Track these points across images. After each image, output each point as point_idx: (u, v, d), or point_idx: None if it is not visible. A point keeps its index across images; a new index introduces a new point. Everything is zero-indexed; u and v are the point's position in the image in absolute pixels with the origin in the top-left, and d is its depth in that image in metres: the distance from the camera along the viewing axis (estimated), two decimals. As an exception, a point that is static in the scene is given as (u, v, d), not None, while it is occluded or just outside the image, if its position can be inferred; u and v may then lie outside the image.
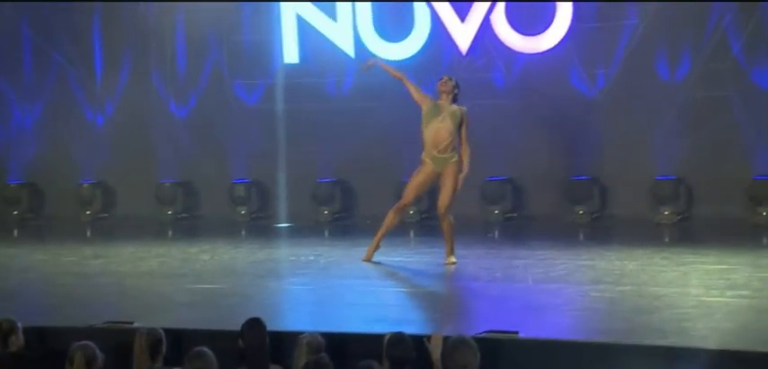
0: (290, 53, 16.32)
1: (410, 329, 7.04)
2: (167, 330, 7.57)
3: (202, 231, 15.89)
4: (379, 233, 11.38)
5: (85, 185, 17.13)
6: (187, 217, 16.73)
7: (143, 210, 16.88)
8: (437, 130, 10.97)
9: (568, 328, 8.10)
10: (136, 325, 8.15)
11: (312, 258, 11.97)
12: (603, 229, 14.63)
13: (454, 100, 11.19)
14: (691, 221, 14.54)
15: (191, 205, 16.93)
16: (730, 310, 8.38)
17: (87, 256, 12.76)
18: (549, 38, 15.25)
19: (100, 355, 7.17)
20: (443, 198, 11.01)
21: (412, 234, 14.49)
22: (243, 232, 15.63)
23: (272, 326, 7.25)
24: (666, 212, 14.62)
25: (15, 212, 17.21)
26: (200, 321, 8.70)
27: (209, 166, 16.76)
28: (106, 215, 17.13)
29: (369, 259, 11.38)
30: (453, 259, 11.12)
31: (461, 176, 11.02)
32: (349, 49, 16.09)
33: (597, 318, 8.35)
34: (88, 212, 17.00)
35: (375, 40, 15.95)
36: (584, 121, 15.34)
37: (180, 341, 7.84)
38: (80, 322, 8.48)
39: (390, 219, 11.34)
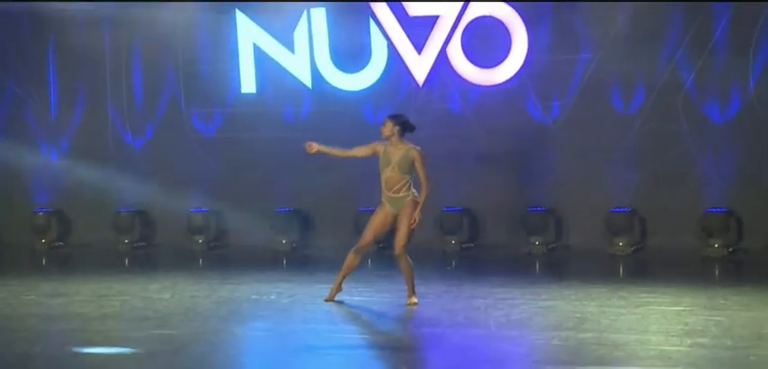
0: (248, 83, 16.39)
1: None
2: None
3: (160, 261, 15.95)
4: (341, 274, 11.48)
5: (40, 214, 17.08)
6: (144, 245, 16.74)
7: (99, 238, 16.89)
8: (388, 177, 11.06)
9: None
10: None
11: (273, 297, 12.03)
12: (559, 260, 14.86)
13: (402, 134, 11.16)
14: (644, 252, 14.79)
15: (148, 234, 16.94)
16: (690, 362, 8.57)
17: (46, 292, 12.72)
18: (505, 70, 15.46)
19: None
20: (399, 238, 11.09)
21: (369, 263, 14.61)
22: (200, 261, 15.72)
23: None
24: (621, 243, 14.87)
25: (-35, 243, 17.19)
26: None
27: (167, 196, 16.78)
28: (62, 244, 17.10)
29: (331, 299, 11.48)
30: (414, 300, 11.24)
31: (415, 213, 11.07)
32: (306, 79, 16.18)
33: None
34: (43, 241, 16.97)
35: (332, 70, 16.07)
36: (539, 152, 15.56)
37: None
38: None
39: (351, 259, 11.43)
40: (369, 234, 11.31)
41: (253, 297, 12.14)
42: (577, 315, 10.56)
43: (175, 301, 11.99)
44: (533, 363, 8.82)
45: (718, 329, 9.71)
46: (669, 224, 14.94)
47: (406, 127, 11.17)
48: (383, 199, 11.22)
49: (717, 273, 13.73)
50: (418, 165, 11.12)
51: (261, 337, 10.33)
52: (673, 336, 9.50)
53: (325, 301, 11.49)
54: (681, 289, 11.91)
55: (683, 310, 10.67)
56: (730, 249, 14.47)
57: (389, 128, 11.10)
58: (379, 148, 11.16)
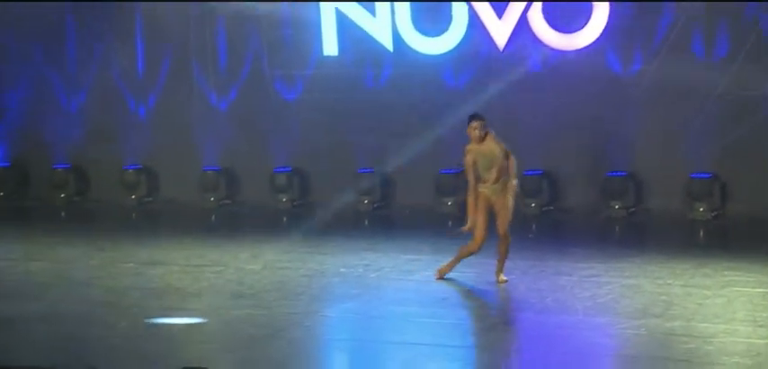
0: (330, 46, 16.63)
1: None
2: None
3: (246, 221, 16.36)
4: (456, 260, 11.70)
5: (130, 171, 17.55)
6: (229, 203, 17.15)
7: (186, 195, 17.31)
8: (492, 174, 11.27)
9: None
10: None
11: (361, 271, 12.33)
12: (639, 225, 15.03)
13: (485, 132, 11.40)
14: (725, 219, 14.90)
15: (232, 192, 17.33)
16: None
17: (143, 260, 13.17)
18: (586, 35, 15.53)
19: None
20: (504, 221, 11.34)
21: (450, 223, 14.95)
22: (284, 219, 16.13)
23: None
24: (701, 209, 14.99)
25: (62, 195, 17.68)
26: (269, 362, 9.17)
27: (250, 155, 17.14)
28: (150, 199, 17.57)
29: (441, 276, 11.73)
30: (504, 277, 11.54)
31: (512, 192, 11.34)
32: (387, 42, 16.39)
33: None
34: (133, 196, 17.46)
35: (413, 34, 16.25)
36: (620, 116, 15.65)
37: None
38: (161, 368, 8.90)
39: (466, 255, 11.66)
40: (482, 232, 11.45)
41: (341, 270, 12.47)
42: (663, 297, 10.77)
43: (267, 274, 12.37)
44: (624, 357, 9.08)
45: (805, 317, 9.89)
46: (750, 190, 15.02)
47: (485, 124, 11.41)
48: (481, 191, 11.39)
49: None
50: (503, 145, 11.38)
51: (353, 322, 10.65)
52: (760, 325, 9.70)
53: (437, 277, 11.76)
54: (764, 264, 12.04)
55: (769, 292, 10.87)
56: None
57: (480, 127, 11.28)
58: (473, 151, 11.35)
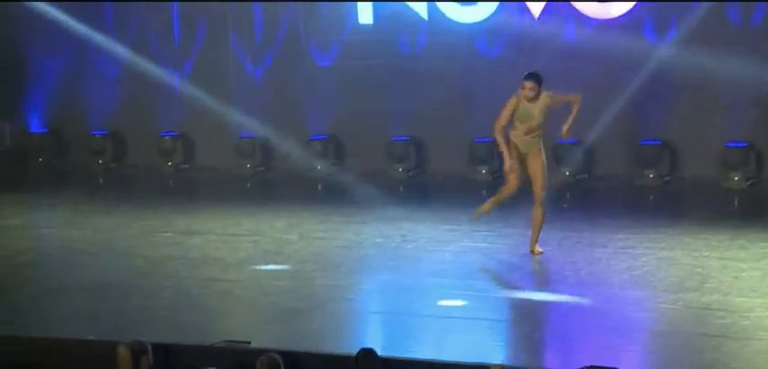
0: (365, 14, 16.70)
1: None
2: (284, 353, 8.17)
3: (281, 189, 16.48)
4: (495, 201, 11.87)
5: (167, 138, 17.72)
6: (264, 170, 17.28)
7: (222, 162, 17.46)
8: (529, 127, 11.44)
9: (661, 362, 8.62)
10: (253, 345, 8.77)
11: (398, 240, 12.45)
12: (674, 194, 15.07)
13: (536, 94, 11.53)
14: (761, 187, 14.92)
15: (267, 160, 17.46)
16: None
17: (181, 229, 13.34)
18: (622, 4, 15.54)
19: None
20: (540, 186, 11.50)
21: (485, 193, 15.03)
22: (319, 187, 16.26)
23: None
24: (736, 178, 15.02)
25: (100, 161, 17.89)
26: (310, 334, 9.33)
27: (287, 123, 17.25)
28: (187, 166, 17.74)
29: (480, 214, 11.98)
30: (540, 249, 11.64)
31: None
32: (422, 11, 16.44)
33: (688, 346, 8.82)
34: (169, 163, 17.63)
35: (448, 3, 16.28)
36: (654, 84, 15.64)
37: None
38: (202, 339, 9.06)
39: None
40: (515, 178, 11.59)
41: (377, 240, 12.58)
42: (699, 270, 10.85)
43: (304, 244, 12.50)
44: (660, 333, 9.16)
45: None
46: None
47: (541, 82, 11.52)
48: (511, 139, 11.50)
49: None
50: (560, 97, 11.72)
51: (391, 295, 10.78)
52: (798, 300, 9.78)
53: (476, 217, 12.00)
54: (800, 237, 12.10)
55: (805, 266, 10.91)
56: None
57: (532, 88, 11.41)
58: (515, 102, 11.46)
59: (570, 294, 10.35)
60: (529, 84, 11.47)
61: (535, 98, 11.43)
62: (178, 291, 10.79)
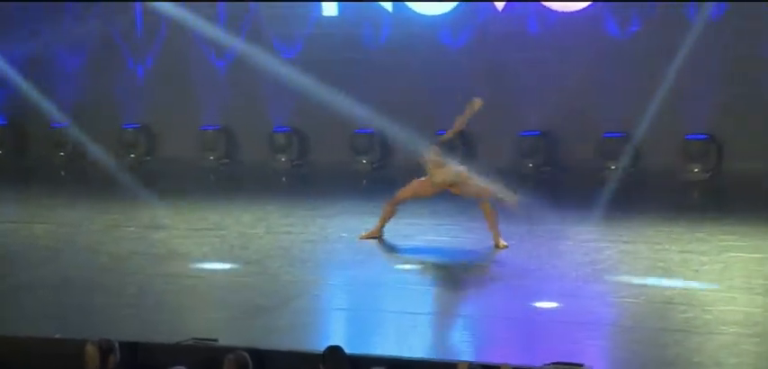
0: (329, 6, 16.72)
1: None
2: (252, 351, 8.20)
3: (246, 182, 16.48)
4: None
5: (129, 130, 17.66)
6: (228, 162, 17.27)
7: (185, 154, 17.43)
8: None
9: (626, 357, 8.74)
10: (220, 343, 8.80)
11: (363, 234, 12.49)
12: (635, 185, 15.20)
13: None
14: (720, 179, 15.07)
15: (231, 151, 17.45)
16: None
17: (146, 223, 13.31)
18: (584, -3, 15.68)
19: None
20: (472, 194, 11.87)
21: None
22: (284, 179, 16.27)
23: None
24: (696, 169, 15.18)
25: (62, 154, 17.81)
26: (277, 331, 9.37)
27: (250, 114, 17.24)
28: (149, 158, 17.68)
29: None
30: (504, 243, 11.75)
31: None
32: (386, 3, 16.48)
33: (651, 341, 8.93)
34: (132, 156, 17.57)
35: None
36: (616, 76, 15.78)
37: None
38: (169, 337, 9.07)
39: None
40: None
41: (343, 234, 12.61)
42: (661, 264, 10.97)
43: (270, 239, 12.51)
44: (623, 328, 9.27)
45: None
46: (746, 149, 15.19)
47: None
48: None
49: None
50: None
51: (357, 290, 10.83)
52: (757, 293, 9.90)
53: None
54: (759, 228, 12.21)
55: (764, 258, 11.05)
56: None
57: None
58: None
59: (535, 289, 10.43)
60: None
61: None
62: (143, 287, 10.78)
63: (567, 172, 15.91)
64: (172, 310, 10.19)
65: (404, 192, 12.19)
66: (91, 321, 9.74)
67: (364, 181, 16.15)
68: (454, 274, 11.14)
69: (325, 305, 10.51)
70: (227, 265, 11.52)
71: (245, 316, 9.84)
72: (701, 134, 15.32)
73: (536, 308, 10.04)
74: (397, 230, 12.64)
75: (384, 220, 12.20)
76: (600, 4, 15.59)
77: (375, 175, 16.33)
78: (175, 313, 10.09)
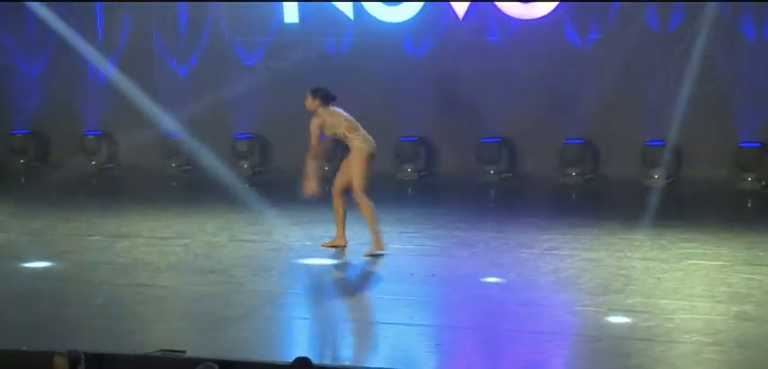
0: (290, 13, 16.77)
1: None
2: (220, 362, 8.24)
3: (206, 187, 16.46)
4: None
5: (90, 137, 17.62)
6: (190, 169, 17.27)
7: (146, 160, 17.42)
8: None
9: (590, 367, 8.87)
10: (188, 354, 8.85)
11: (326, 240, 12.52)
12: (595, 193, 15.39)
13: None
14: (680, 185, 15.28)
15: (192, 159, 17.44)
16: (738, 338, 9.15)
17: (110, 232, 13.30)
18: (544, 4, 15.80)
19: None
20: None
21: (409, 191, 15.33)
22: (247, 184, 16.31)
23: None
24: (656, 176, 15.37)
25: (22, 161, 17.75)
26: (244, 343, 9.41)
27: (211, 122, 17.25)
28: (111, 166, 17.66)
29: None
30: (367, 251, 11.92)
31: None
32: (348, 11, 16.56)
33: (614, 350, 9.06)
34: (93, 163, 17.54)
35: (374, 3, 16.43)
36: (576, 83, 15.95)
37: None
38: (136, 348, 9.11)
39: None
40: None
41: (307, 243, 12.65)
42: (623, 272, 11.12)
43: (234, 248, 12.54)
44: (588, 337, 9.39)
45: (761, 293, 10.25)
46: (704, 156, 15.40)
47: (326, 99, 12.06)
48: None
49: (750, 207, 14.35)
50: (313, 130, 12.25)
51: (323, 300, 10.89)
52: (718, 301, 10.07)
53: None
54: (719, 236, 12.39)
55: (725, 266, 11.21)
56: (763, 183, 14.97)
57: (310, 103, 12.10)
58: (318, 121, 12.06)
59: (499, 298, 10.53)
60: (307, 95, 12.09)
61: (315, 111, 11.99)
62: (110, 298, 10.78)
63: (527, 179, 16.05)
64: (139, 320, 10.20)
65: (339, 179, 12.10)
66: (58, 332, 9.73)
67: (326, 187, 16.15)
68: (420, 283, 11.19)
69: (292, 315, 10.56)
70: (192, 275, 11.53)
71: (211, 327, 9.86)
72: (659, 141, 15.51)
73: (500, 315, 10.13)
74: (364, 239, 12.71)
75: (342, 222, 12.18)
76: (560, 10, 15.74)
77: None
78: (142, 324, 10.10)
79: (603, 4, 15.69)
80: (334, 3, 16.53)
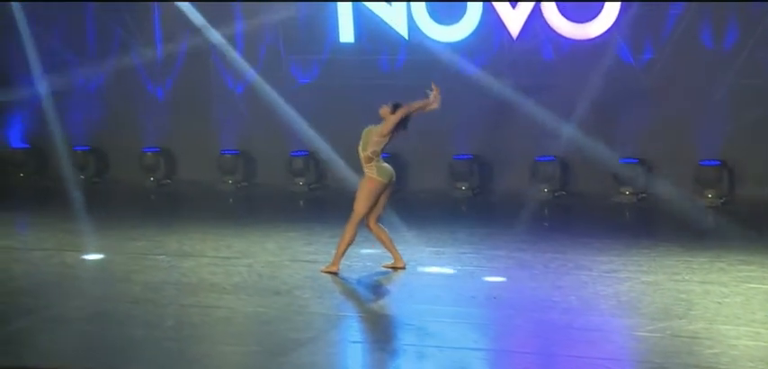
0: (346, 33, 17.01)
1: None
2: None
3: (263, 204, 16.74)
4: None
5: (149, 153, 17.95)
6: (247, 186, 17.55)
7: (204, 177, 17.72)
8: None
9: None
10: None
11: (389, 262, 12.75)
12: (650, 211, 15.51)
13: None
14: (734, 205, 15.38)
15: (249, 174, 17.74)
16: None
17: (174, 250, 13.57)
18: (598, 25, 15.98)
19: None
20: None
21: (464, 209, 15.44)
22: (301, 203, 16.55)
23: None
24: (710, 195, 15.48)
25: (82, 177, 18.11)
26: (313, 367, 9.61)
27: (267, 139, 17.54)
28: (169, 181, 17.98)
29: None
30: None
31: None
32: (403, 30, 16.78)
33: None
34: (152, 179, 17.87)
35: (428, 22, 16.64)
36: (630, 104, 16.10)
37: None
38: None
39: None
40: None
41: (368, 264, 12.84)
42: (683, 296, 11.24)
43: (297, 268, 12.75)
44: (653, 365, 9.50)
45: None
46: (757, 174, 15.52)
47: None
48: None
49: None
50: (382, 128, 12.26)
51: (388, 323, 11.07)
52: (783, 328, 10.20)
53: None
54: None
55: (785, 290, 11.36)
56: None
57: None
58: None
59: (562, 323, 10.67)
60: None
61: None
62: (179, 319, 11.01)
63: (580, 197, 16.21)
64: (210, 343, 10.40)
65: (360, 205, 12.16)
66: (133, 355, 9.95)
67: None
68: (482, 307, 11.35)
69: (357, 339, 10.74)
70: (256, 297, 11.72)
71: (281, 351, 10.04)
72: (714, 160, 15.63)
73: (563, 340, 10.27)
74: (422, 258, 12.92)
75: (390, 245, 12.34)
76: (614, 28, 15.90)
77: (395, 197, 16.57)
78: (214, 346, 10.29)
79: (657, 22, 15.83)
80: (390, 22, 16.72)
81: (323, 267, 12.33)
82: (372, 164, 12.09)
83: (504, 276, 12.23)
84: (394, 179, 12.22)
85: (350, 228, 12.17)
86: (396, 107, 12.10)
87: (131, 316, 11.16)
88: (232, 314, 11.21)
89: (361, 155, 12.13)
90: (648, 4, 15.81)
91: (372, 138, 12.09)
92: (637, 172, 15.93)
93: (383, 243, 12.38)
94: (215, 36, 17.16)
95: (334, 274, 12.21)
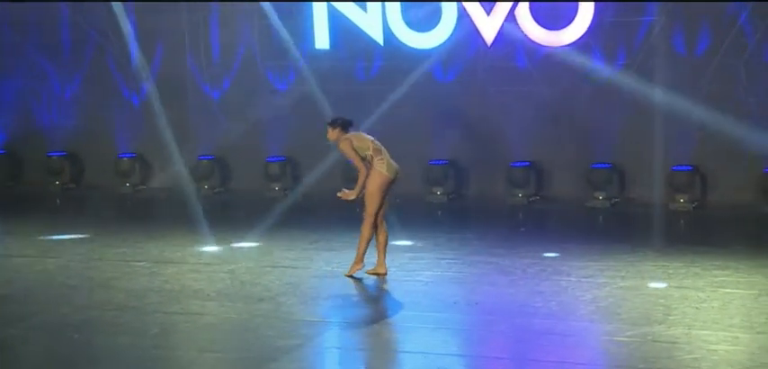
0: (321, 39, 17.13)
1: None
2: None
3: (241, 209, 16.81)
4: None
5: (124, 159, 17.98)
6: (223, 191, 17.62)
7: (179, 183, 17.76)
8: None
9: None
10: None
11: (365, 271, 12.84)
12: (623, 216, 15.72)
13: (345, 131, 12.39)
14: (705, 209, 15.64)
15: (226, 180, 17.82)
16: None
17: (155, 257, 13.64)
18: (571, 32, 16.18)
19: None
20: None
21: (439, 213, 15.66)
22: (278, 206, 16.66)
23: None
24: (682, 200, 15.72)
25: (57, 182, 18.12)
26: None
27: (243, 145, 17.62)
28: (144, 187, 18.01)
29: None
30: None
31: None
32: (378, 36, 16.92)
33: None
34: (127, 184, 17.90)
35: (403, 29, 16.79)
36: (603, 109, 16.32)
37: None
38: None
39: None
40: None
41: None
42: (661, 301, 11.44)
43: (279, 274, 12.86)
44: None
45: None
46: (728, 182, 15.77)
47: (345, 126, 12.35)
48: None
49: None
50: (346, 150, 12.37)
51: (370, 330, 11.18)
52: (759, 332, 10.37)
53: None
54: (750, 262, 12.75)
55: (760, 295, 11.55)
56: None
57: (331, 133, 12.38)
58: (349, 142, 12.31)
59: (542, 328, 10.83)
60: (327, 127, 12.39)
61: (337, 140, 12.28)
62: (164, 327, 11.08)
63: (554, 201, 16.41)
64: (197, 350, 10.49)
65: (370, 204, 12.37)
66: (118, 363, 10.01)
67: (357, 208, 16.49)
68: (463, 313, 11.49)
69: (342, 345, 10.86)
70: (239, 303, 11.80)
71: (267, 358, 10.14)
72: (686, 166, 15.88)
73: (546, 345, 10.42)
74: (401, 265, 13.06)
75: (382, 249, 12.52)
76: (587, 34, 16.12)
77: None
78: (201, 354, 10.38)
79: (630, 28, 16.06)
80: (365, 29, 16.85)
81: (346, 271, 12.50)
82: (382, 157, 12.23)
83: (483, 282, 12.37)
84: (400, 175, 12.33)
85: (366, 227, 12.32)
86: (335, 122, 12.33)
87: (117, 324, 11.22)
88: (217, 321, 11.29)
89: (368, 154, 12.27)
90: (622, 9, 16.03)
91: (361, 144, 12.20)
92: (610, 177, 16.13)
93: (377, 242, 12.47)
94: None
95: (380, 274, 12.39)
